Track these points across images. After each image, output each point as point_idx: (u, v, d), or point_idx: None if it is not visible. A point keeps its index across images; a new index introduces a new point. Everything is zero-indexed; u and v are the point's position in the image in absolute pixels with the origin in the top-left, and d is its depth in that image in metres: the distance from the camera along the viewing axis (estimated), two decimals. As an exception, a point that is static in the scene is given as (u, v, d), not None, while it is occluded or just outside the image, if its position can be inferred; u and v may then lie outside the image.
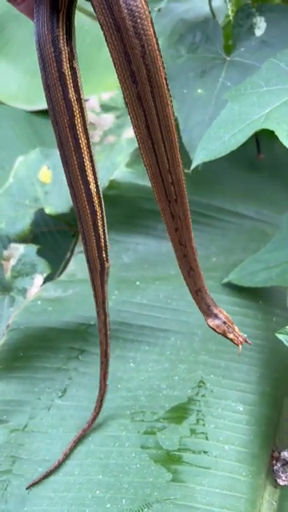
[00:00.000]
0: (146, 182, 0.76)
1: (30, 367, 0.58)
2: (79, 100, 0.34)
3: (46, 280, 0.76)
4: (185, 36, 0.81)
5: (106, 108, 0.86)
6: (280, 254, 0.60)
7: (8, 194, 0.84)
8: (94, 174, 0.37)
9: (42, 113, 1.18)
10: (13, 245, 0.78)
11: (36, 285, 0.74)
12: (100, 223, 0.39)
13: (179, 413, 0.49)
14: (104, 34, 0.30)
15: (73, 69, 0.34)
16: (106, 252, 0.41)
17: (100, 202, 0.39)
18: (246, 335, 0.43)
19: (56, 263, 0.85)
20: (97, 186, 0.38)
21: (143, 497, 0.43)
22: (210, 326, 0.43)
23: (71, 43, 0.33)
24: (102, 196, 0.39)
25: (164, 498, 0.43)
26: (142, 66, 0.29)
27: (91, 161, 0.37)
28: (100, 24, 0.30)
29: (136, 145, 0.79)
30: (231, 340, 0.42)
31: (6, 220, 0.79)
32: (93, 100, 0.86)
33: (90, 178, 0.37)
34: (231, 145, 0.56)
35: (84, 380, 0.56)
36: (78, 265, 0.76)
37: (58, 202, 0.78)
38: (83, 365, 0.58)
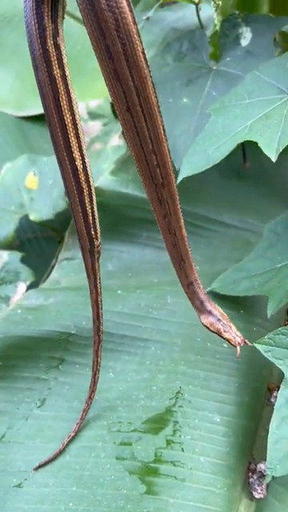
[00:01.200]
0: (130, 190, 0.77)
1: (9, 377, 0.58)
2: (64, 77, 0.34)
3: (30, 287, 0.76)
4: (172, 45, 0.81)
5: (93, 115, 0.86)
6: (262, 263, 0.60)
7: (-6, 200, 0.84)
8: (81, 151, 0.37)
9: (32, 118, 1.18)
10: (-3, 251, 0.78)
11: (19, 293, 0.74)
12: (87, 200, 0.39)
13: (156, 423, 0.49)
14: (80, 10, 0.30)
15: (57, 45, 0.33)
16: (96, 229, 0.41)
17: (87, 179, 0.38)
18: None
19: (42, 270, 0.85)
20: (83, 163, 0.37)
21: (116, 509, 0.43)
22: (203, 324, 0.41)
23: (57, 20, 0.33)
24: (90, 174, 0.38)
25: (137, 511, 0.42)
26: (117, 39, 0.29)
27: (77, 138, 0.36)
28: (77, 2, 0.29)
29: (121, 152, 0.80)
30: (228, 340, 0.40)
31: (-9, 226, 0.79)
32: (80, 107, 0.86)
33: (76, 154, 0.37)
34: (215, 158, 0.56)
35: (63, 390, 0.56)
36: (62, 272, 0.76)
37: (44, 208, 0.78)
38: (63, 375, 0.57)
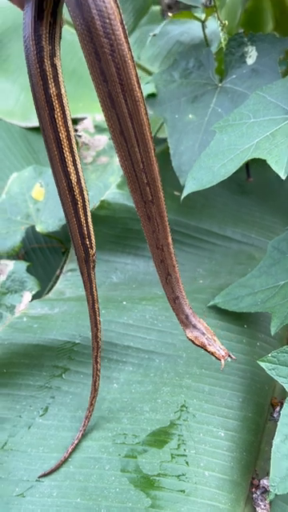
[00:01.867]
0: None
1: (12, 384, 0.58)
2: (59, 95, 0.36)
3: (34, 297, 0.77)
4: (178, 61, 0.83)
5: (99, 129, 0.87)
6: (265, 280, 0.61)
7: (0, 210, 0.84)
8: (75, 165, 0.38)
9: (37, 129, 1.20)
10: (3, 261, 0.78)
11: (24, 302, 0.74)
12: (81, 212, 0.41)
13: (161, 437, 0.49)
14: (77, 34, 0.31)
15: (54, 66, 0.35)
16: (90, 239, 0.42)
17: (81, 191, 0.40)
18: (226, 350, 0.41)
19: (46, 280, 0.86)
20: (77, 177, 0.39)
21: (121, 522, 0.43)
22: (188, 338, 0.42)
23: (54, 41, 0.35)
24: (84, 187, 0.40)
25: (142, 525, 0.43)
26: (111, 63, 0.30)
27: (71, 153, 0.38)
28: (74, 25, 0.31)
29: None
30: (212, 354, 0.41)
31: (-3, 236, 0.80)
32: (87, 121, 0.87)
33: (71, 168, 0.38)
34: (221, 174, 0.57)
35: (66, 399, 0.56)
36: (66, 283, 0.77)
37: (50, 220, 0.79)
38: (66, 384, 0.58)
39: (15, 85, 1.25)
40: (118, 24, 0.30)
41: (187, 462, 0.47)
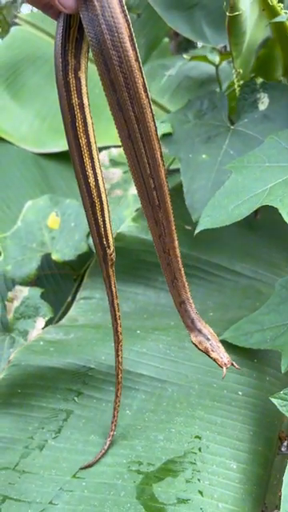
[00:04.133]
0: (150, 237, 0.81)
1: (26, 405, 0.60)
2: (81, 105, 0.39)
3: (46, 323, 0.79)
4: (193, 102, 0.87)
5: (114, 163, 0.91)
6: (274, 317, 0.64)
7: (16, 237, 0.87)
8: (94, 169, 0.41)
9: (49, 155, 1.24)
10: (17, 287, 0.81)
11: (37, 327, 0.77)
12: (99, 213, 0.43)
13: (175, 466, 0.51)
14: (90, 47, 0.34)
15: (78, 78, 0.38)
16: (108, 239, 0.45)
17: (99, 194, 0.42)
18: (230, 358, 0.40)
19: (57, 305, 0.88)
20: (96, 181, 0.42)
21: None
22: (192, 342, 0.42)
23: (79, 55, 0.38)
24: (102, 189, 0.42)
25: None
26: (119, 74, 0.33)
27: (91, 158, 0.41)
28: (87, 39, 0.34)
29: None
30: (214, 360, 0.40)
31: (13, 263, 0.82)
32: (102, 154, 0.91)
33: (89, 173, 0.41)
34: (235, 215, 0.61)
35: (79, 423, 0.58)
36: (79, 310, 0.79)
37: (66, 249, 0.82)
38: (80, 408, 0.59)
39: (29, 112, 1.29)
40: (126, 37, 0.33)
41: (202, 493, 0.49)
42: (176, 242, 0.41)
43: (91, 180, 0.42)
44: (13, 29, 1.42)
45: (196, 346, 0.41)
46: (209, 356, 0.41)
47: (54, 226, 0.87)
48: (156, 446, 0.54)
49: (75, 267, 0.89)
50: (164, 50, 1.60)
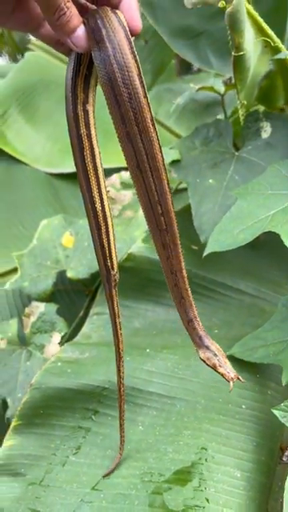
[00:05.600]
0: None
1: (48, 424, 0.64)
2: (89, 136, 0.42)
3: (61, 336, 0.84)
4: (200, 130, 0.92)
5: (125, 185, 0.96)
6: (277, 333, 0.68)
7: (31, 255, 0.92)
8: (100, 194, 0.44)
9: (61, 176, 1.29)
10: (34, 303, 0.86)
11: (54, 342, 0.81)
12: (104, 236, 0.46)
13: (183, 475, 0.55)
14: (100, 84, 0.38)
15: (85, 111, 0.42)
16: (112, 261, 0.47)
17: (104, 217, 0.45)
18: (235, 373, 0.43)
19: (69, 319, 0.93)
20: (102, 205, 0.45)
21: None
22: (201, 358, 0.44)
23: (88, 90, 0.42)
24: (107, 213, 0.45)
25: None
26: (130, 109, 0.37)
27: (97, 183, 0.44)
28: (99, 76, 0.38)
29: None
30: (222, 375, 0.43)
31: (30, 279, 0.87)
32: (114, 178, 0.96)
33: (96, 197, 0.44)
34: (240, 240, 0.65)
35: (97, 440, 0.62)
36: (92, 326, 0.84)
37: (80, 267, 0.87)
38: (96, 425, 0.64)
39: (42, 134, 1.35)
40: (136, 76, 0.36)
41: (208, 500, 0.53)
42: (182, 264, 0.44)
43: (98, 205, 0.44)
44: (27, 54, 1.49)
45: (204, 361, 0.44)
46: (216, 371, 0.43)
47: (69, 244, 0.92)
48: (166, 457, 0.58)
49: (87, 283, 0.94)
50: (170, 71, 1.66)
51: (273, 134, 0.85)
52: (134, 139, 0.38)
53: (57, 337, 0.81)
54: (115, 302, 0.50)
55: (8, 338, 0.86)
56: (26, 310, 0.85)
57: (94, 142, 0.43)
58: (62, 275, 0.94)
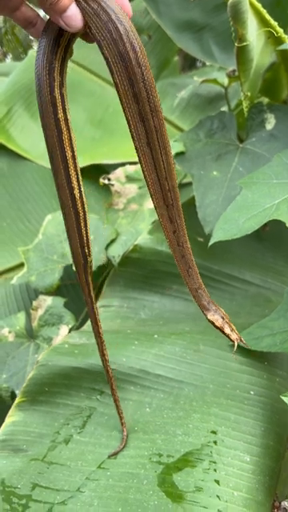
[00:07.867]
0: (164, 248, 0.87)
1: (52, 402, 0.64)
2: (66, 120, 0.42)
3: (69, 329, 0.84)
4: (204, 122, 0.93)
5: (130, 179, 0.97)
6: (283, 322, 0.68)
7: (37, 250, 0.93)
8: (78, 181, 0.44)
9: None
10: (41, 296, 0.86)
11: (61, 335, 0.82)
12: (82, 223, 0.46)
13: (193, 457, 0.56)
14: (109, 65, 0.38)
15: (62, 95, 0.42)
16: (89, 248, 0.48)
17: (83, 205, 0.45)
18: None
19: (76, 313, 0.93)
20: (80, 192, 0.45)
21: (162, 532, 0.49)
22: (209, 320, 0.46)
23: (63, 74, 0.42)
24: (85, 201, 0.45)
25: (180, 535, 0.49)
26: (143, 88, 0.38)
27: (76, 170, 0.44)
28: (105, 57, 0.38)
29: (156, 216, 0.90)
30: (227, 336, 0.45)
31: (36, 274, 0.88)
32: (119, 171, 0.97)
33: (75, 184, 0.44)
34: (245, 228, 0.66)
35: (102, 419, 0.62)
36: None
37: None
38: (102, 405, 0.64)
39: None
40: (146, 57, 0.38)
41: (218, 482, 0.53)
42: (187, 237, 0.45)
43: (76, 192, 0.44)
44: (30, 51, 1.50)
45: (213, 323, 0.46)
46: (223, 332, 0.45)
47: (74, 238, 0.92)
48: (175, 439, 0.58)
49: (94, 279, 0.94)
50: (173, 66, 1.67)
51: (277, 125, 0.86)
52: (146, 117, 0.39)
53: (64, 329, 0.82)
54: (91, 289, 0.51)
55: (16, 331, 0.86)
56: (34, 303, 0.85)
57: (71, 127, 0.43)
58: (68, 269, 0.95)
